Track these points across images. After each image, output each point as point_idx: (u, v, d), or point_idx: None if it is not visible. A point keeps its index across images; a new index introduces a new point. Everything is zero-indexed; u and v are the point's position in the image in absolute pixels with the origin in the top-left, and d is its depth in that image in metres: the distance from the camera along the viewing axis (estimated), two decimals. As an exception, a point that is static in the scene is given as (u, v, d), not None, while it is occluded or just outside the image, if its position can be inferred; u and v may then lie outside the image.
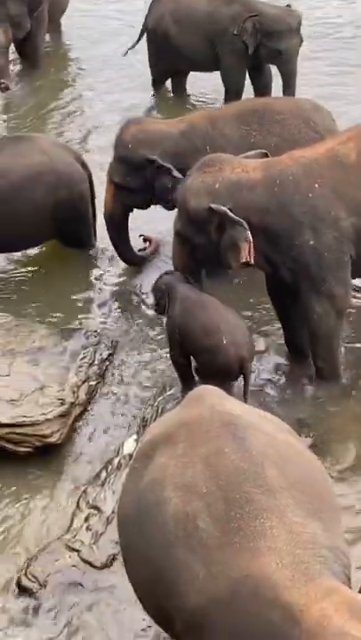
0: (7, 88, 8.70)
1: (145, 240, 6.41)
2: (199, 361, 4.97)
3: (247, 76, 8.13)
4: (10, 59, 9.15)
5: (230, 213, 4.85)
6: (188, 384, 4.98)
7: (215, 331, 4.86)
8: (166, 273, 5.24)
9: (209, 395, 3.48)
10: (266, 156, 5.26)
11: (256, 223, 4.90)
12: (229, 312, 5.02)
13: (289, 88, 7.96)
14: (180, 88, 8.73)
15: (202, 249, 5.11)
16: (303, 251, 4.94)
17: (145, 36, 8.48)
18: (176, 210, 5.35)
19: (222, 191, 4.95)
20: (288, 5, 7.98)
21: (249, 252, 4.83)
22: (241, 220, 4.82)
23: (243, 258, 4.84)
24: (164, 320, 5.22)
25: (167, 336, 5.14)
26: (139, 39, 8.58)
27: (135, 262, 6.34)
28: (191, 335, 4.92)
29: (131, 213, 6.19)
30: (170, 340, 5.10)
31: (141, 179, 5.86)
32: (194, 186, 5.06)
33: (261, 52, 7.84)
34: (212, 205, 4.90)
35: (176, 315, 4.99)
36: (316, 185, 4.94)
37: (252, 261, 4.85)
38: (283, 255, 4.98)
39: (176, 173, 5.65)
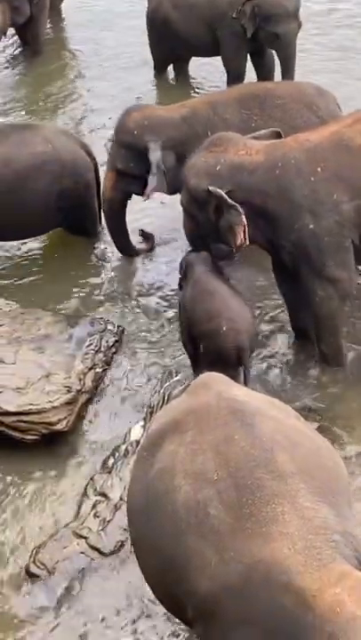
0: None
1: (143, 235, 6.39)
2: (201, 346, 4.98)
3: (251, 61, 8.11)
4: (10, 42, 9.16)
5: (225, 197, 4.86)
6: (197, 368, 4.99)
7: (216, 316, 4.87)
8: (192, 251, 5.29)
9: (215, 382, 3.48)
10: (278, 134, 5.27)
11: (257, 206, 4.93)
12: (235, 299, 5.01)
13: (288, 72, 7.92)
14: (182, 73, 8.71)
15: (204, 226, 5.15)
16: (303, 235, 4.94)
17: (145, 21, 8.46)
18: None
19: (223, 173, 4.98)
20: None
21: (244, 234, 4.85)
22: (235, 204, 4.84)
23: (238, 241, 4.88)
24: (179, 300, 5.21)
25: (178, 318, 5.15)
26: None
27: (132, 253, 6.32)
28: (195, 319, 4.94)
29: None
30: (180, 323, 5.12)
31: (145, 165, 5.84)
32: (196, 165, 5.10)
33: (260, 36, 7.80)
34: (210, 188, 4.93)
35: (186, 298, 5.02)
36: (319, 169, 4.92)
37: (247, 242, 4.88)
38: (283, 239, 4.99)
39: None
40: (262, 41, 7.85)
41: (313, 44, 8.93)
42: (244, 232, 4.85)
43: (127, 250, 6.31)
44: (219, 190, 4.90)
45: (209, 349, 4.89)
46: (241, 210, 4.83)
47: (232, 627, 2.92)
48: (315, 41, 9.02)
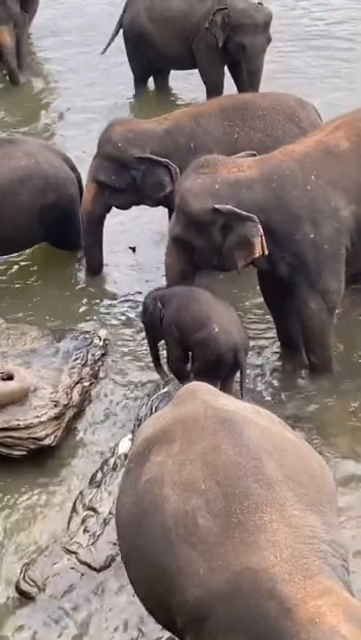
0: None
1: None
2: (195, 355, 4.97)
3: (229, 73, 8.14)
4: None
5: (238, 210, 4.82)
6: (184, 375, 5.00)
7: (205, 321, 4.88)
8: (153, 291, 5.22)
9: (201, 391, 3.47)
10: (254, 156, 5.23)
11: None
12: (220, 303, 5.02)
13: (252, 86, 7.94)
14: (162, 85, 8.74)
15: (203, 252, 5.06)
16: (303, 245, 4.94)
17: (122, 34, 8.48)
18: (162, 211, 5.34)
19: (223, 191, 4.92)
20: (259, 3, 7.98)
21: (262, 244, 4.81)
22: (251, 215, 4.80)
23: (257, 252, 4.82)
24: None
25: (165, 340, 5.12)
26: (113, 37, 8.57)
27: (98, 270, 6.29)
28: (185, 329, 4.94)
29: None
30: (168, 343, 5.09)
31: (129, 178, 5.86)
32: (194, 188, 4.99)
33: (229, 47, 7.84)
34: (217, 206, 4.86)
35: (171, 312, 5.00)
36: (313, 177, 4.94)
37: (266, 252, 4.83)
38: (282, 251, 4.97)
39: (173, 165, 5.67)
40: (231, 52, 7.88)
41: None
42: (262, 242, 4.81)
43: (96, 265, 6.26)
44: (227, 206, 4.84)
45: (205, 356, 4.89)
46: (256, 219, 4.79)
47: (221, 635, 2.92)
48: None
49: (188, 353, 5.04)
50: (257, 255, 4.85)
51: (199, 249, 5.06)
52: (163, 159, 5.73)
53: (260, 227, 4.80)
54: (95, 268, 6.28)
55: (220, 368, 4.89)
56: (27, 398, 4.97)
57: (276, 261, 5.02)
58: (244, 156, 5.22)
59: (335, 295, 5.10)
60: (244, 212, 4.81)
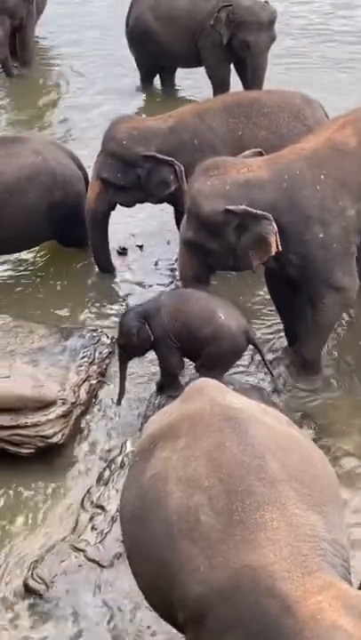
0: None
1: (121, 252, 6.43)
2: (207, 352, 4.93)
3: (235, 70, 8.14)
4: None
5: (252, 210, 4.78)
6: (177, 387, 4.99)
7: (209, 314, 4.89)
8: (130, 311, 5.16)
9: (209, 388, 3.48)
10: (260, 154, 5.22)
11: None
12: (208, 295, 5.04)
13: (255, 83, 7.94)
14: (169, 83, 8.74)
15: (217, 254, 5.02)
16: (312, 245, 4.92)
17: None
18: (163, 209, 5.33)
19: (234, 193, 4.88)
20: (265, 1, 7.98)
21: (276, 242, 4.79)
22: (265, 214, 4.77)
23: (273, 250, 4.80)
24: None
25: (159, 354, 5.07)
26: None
27: (109, 268, 6.27)
28: (188, 332, 4.92)
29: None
30: (164, 355, 5.04)
31: (134, 176, 5.85)
32: (204, 191, 4.94)
33: (233, 44, 7.84)
34: (230, 207, 4.82)
35: (163, 324, 4.95)
36: (322, 176, 4.91)
37: (280, 249, 4.80)
38: (291, 252, 4.94)
39: (178, 164, 5.66)
40: (235, 49, 7.88)
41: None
42: (276, 240, 4.79)
43: (105, 263, 6.25)
44: (241, 206, 4.81)
45: (221, 348, 4.88)
46: (271, 217, 4.77)
47: (220, 631, 2.94)
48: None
49: (183, 362, 5.03)
50: (273, 253, 4.83)
51: (213, 251, 5.02)
52: (168, 158, 5.72)
53: (274, 224, 4.77)
54: (104, 266, 6.27)
55: (234, 355, 4.93)
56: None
57: (284, 261, 4.99)
58: (250, 155, 5.21)
59: (351, 292, 5.08)
60: (258, 211, 4.78)
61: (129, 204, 6.10)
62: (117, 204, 6.08)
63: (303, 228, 4.91)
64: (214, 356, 4.92)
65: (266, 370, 5.23)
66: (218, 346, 4.88)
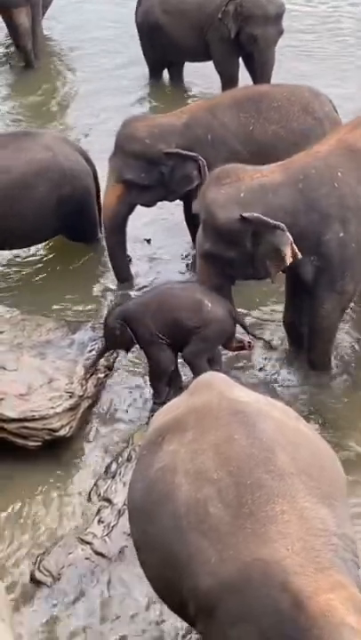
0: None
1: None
2: (197, 339, 4.94)
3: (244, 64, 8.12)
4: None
5: (265, 218, 4.72)
6: (163, 395, 5.04)
7: (195, 303, 4.92)
8: (112, 310, 5.20)
9: (217, 381, 3.48)
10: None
11: (287, 224, 4.75)
12: (188, 285, 5.14)
13: (262, 77, 7.92)
14: (177, 77, 8.72)
15: (236, 263, 4.95)
16: (332, 245, 4.88)
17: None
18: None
19: (249, 199, 4.81)
20: None
21: (293, 251, 4.73)
22: (279, 223, 4.71)
23: (288, 260, 4.73)
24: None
25: (147, 353, 5.09)
26: None
27: (127, 277, 6.14)
28: (176, 325, 4.93)
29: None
30: (153, 355, 5.05)
31: (158, 174, 5.74)
32: (219, 200, 4.86)
33: (241, 38, 7.83)
34: (245, 215, 4.76)
35: (147, 323, 4.96)
36: (339, 174, 4.88)
37: (299, 257, 4.74)
38: (310, 253, 4.89)
39: (201, 159, 5.61)
40: (243, 43, 7.86)
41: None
42: (293, 248, 4.72)
43: (125, 273, 6.11)
44: (255, 214, 4.74)
45: (211, 333, 4.92)
46: (284, 227, 4.70)
47: (230, 624, 2.94)
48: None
49: (177, 357, 5.05)
50: (289, 263, 4.75)
51: (232, 261, 4.95)
52: (192, 153, 5.65)
53: (288, 234, 4.70)
54: (124, 275, 6.12)
55: (222, 337, 4.99)
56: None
57: (302, 263, 4.92)
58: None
59: (350, 296, 5.10)
60: (271, 221, 4.72)
61: (150, 204, 5.97)
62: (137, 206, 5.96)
63: (324, 228, 4.86)
64: (203, 339, 4.95)
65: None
66: (208, 331, 4.92)
